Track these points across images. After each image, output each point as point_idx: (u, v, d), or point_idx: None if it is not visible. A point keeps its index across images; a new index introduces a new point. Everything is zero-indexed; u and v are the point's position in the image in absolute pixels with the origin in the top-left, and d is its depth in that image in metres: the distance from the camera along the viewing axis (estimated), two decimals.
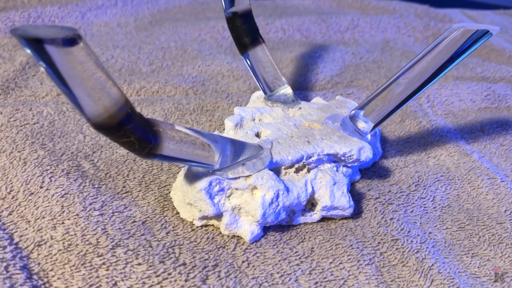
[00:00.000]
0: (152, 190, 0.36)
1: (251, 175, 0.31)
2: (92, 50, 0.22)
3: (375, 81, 0.54)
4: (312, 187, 0.33)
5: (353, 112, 0.37)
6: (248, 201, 0.31)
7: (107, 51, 0.57)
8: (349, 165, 0.36)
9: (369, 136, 0.38)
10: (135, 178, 0.37)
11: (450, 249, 0.33)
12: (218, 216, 0.32)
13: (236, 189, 0.31)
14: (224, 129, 0.39)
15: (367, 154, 0.35)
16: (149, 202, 0.35)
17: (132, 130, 0.25)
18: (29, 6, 0.69)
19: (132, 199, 0.35)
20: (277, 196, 0.31)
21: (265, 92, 0.41)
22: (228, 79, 0.53)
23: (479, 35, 0.32)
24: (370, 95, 0.37)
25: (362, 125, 0.36)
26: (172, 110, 0.46)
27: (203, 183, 0.31)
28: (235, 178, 0.31)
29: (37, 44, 0.20)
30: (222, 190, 0.31)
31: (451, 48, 0.33)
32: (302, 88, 0.52)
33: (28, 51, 0.21)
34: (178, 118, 0.45)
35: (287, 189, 0.31)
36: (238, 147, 0.32)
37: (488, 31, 0.32)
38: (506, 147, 0.44)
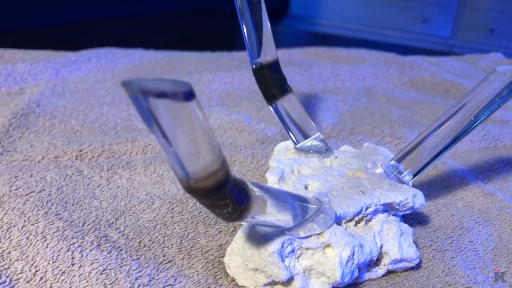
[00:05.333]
0: (196, 256, 0.33)
1: (323, 232, 0.29)
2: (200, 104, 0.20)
3: (376, 127, 0.54)
4: (380, 240, 0.31)
5: (393, 162, 0.37)
6: (321, 261, 0.29)
7: (94, 109, 0.53)
8: (400, 213, 0.35)
9: (410, 183, 0.37)
10: (172, 245, 0.33)
11: None
12: (288, 280, 0.29)
13: (307, 248, 0.29)
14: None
15: (420, 200, 0.34)
16: (197, 271, 0.31)
17: (230, 192, 0.22)
18: (3, 63, 0.64)
19: (178, 269, 0.31)
20: (353, 254, 0.29)
21: (295, 142, 0.39)
22: (232, 132, 0.51)
23: None
24: (407, 147, 0.37)
25: (404, 175, 0.36)
26: None
27: (275, 245, 0.28)
28: (307, 237, 0.29)
29: (154, 99, 0.18)
30: (292, 251, 0.29)
31: (497, 86, 0.33)
32: None
33: (136, 104, 0.18)
34: None
35: (361, 245, 0.29)
36: (303, 203, 0.30)
37: None
38: None
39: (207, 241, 0.34)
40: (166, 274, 0.30)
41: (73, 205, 0.36)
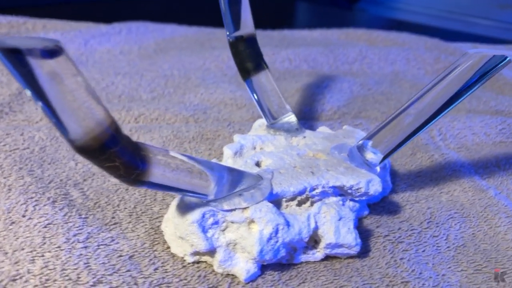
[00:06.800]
0: (143, 221, 0.33)
1: (248, 207, 0.29)
2: (75, 65, 0.20)
3: (385, 113, 0.52)
4: (316, 222, 0.30)
5: (361, 142, 0.35)
6: (244, 236, 0.28)
7: (108, 78, 0.56)
8: (357, 199, 0.33)
9: (378, 168, 0.35)
10: (125, 208, 0.35)
11: None
12: (211, 252, 0.29)
13: (232, 222, 0.29)
14: (222, 158, 0.36)
15: (376, 187, 0.32)
16: (138, 235, 0.32)
17: (118, 154, 0.22)
18: (32, 32, 0.68)
19: (121, 231, 0.32)
20: (276, 231, 0.28)
21: (267, 120, 0.39)
22: (231, 108, 0.51)
23: (497, 61, 0.30)
24: (379, 125, 0.35)
25: (370, 156, 0.34)
26: (171, 137, 0.43)
27: (195, 215, 0.28)
28: (231, 210, 0.29)
29: (13, 55, 0.18)
30: (216, 223, 0.29)
31: (467, 75, 0.31)
32: (307, 118, 0.50)
33: (4, 64, 0.19)
34: (176, 146, 0.43)
35: (287, 224, 0.29)
36: (235, 176, 0.29)
37: (506, 57, 0.30)
38: None
39: (160, 209, 0.35)
40: (106, 234, 0.32)
41: (49, 163, 0.39)
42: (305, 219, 0.30)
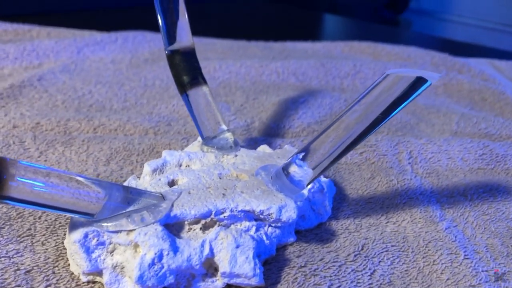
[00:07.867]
0: (58, 235, 0.33)
1: (134, 229, 0.27)
2: None
3: None
4: (211, 249, 0.28)
5: (289, 160, 0.32)
6: (129, 260, 0.27)
7: (87, 86, 0.56)
8: (273, 224, 0.31)
9: (306, 191, 0.33)
10: (46, 220, 0.34)
11: None
12: (99, 273, 0.28)
13: (119, 244, 0.28)
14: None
15: (289, 214, 0.30)
16: (47, 249, 0.32)
17: None
18: (35, 39, 0.70)
19: (31, 244, 0.32)
20: (161, 257, 0.27)
21: (202, 137, 0.37)
22: None
23: (414, 83, 0.27)
24: (309, 141, 0.32)
25: (294, 169, 0.31)
26: (120, 149, 0.43)
27: (77, 234, 0.27)
28: (117, 232, 0.27)
29: None
30: (102, 244, 0.28)
31: (384, 97, 0.28)
32: (272, 135, 0.48)
33: None
34: (122, 159, 0.42)
35: (175, 249, 0.27)
36: (131, 195, 0.28)
37: (424, 79, 0.27)
38: (488, 217, 0.38)
39: None
40: (14, 246, 0.31)
41: None
42: (199, 245, 0.28)
